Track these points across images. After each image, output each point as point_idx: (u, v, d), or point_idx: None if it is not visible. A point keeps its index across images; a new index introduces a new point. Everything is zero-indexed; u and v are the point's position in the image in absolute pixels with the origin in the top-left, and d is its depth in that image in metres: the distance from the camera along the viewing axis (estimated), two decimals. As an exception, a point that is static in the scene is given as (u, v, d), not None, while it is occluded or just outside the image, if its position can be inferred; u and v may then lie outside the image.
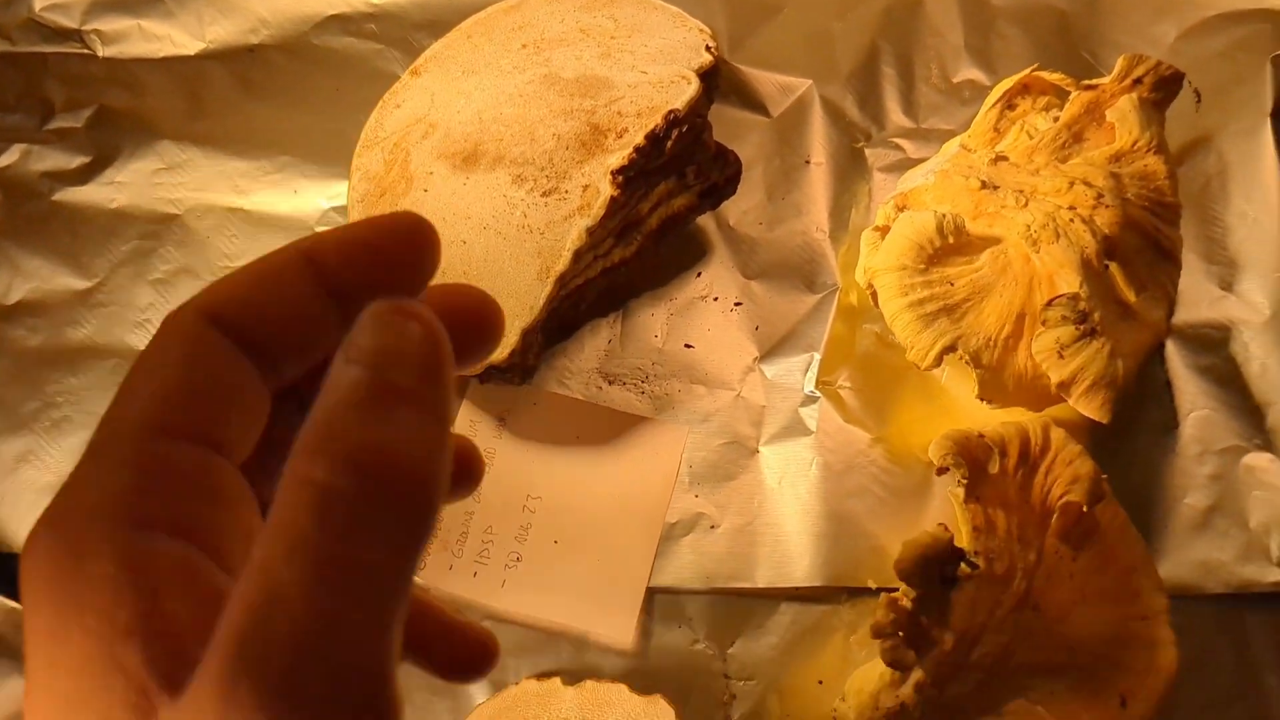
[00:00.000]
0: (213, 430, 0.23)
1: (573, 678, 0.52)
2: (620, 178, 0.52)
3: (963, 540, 0.49)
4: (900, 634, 0.46)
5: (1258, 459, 0.56)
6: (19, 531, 0.55)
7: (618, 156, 0.53)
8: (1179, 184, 0.61)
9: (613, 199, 0.52)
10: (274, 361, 0.24)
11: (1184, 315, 0.59)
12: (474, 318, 0.26)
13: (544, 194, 0.53)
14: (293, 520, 0.19)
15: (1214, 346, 0.59)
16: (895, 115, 0.65)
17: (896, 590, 0.47)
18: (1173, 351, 0.59)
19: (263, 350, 0.24)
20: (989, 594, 0.48)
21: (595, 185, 0.52)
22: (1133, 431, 0.57)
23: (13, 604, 0.54)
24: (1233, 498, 0.56)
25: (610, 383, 0.59)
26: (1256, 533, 0.55)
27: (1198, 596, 0.54)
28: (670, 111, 0.54)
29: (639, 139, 0.53)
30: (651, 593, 0.55)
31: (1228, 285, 0.59)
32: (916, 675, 0.47)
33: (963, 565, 0.48)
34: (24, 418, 0.58)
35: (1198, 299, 0.59)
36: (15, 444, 0.57)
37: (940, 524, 0.47)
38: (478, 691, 0.53)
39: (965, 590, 0.47)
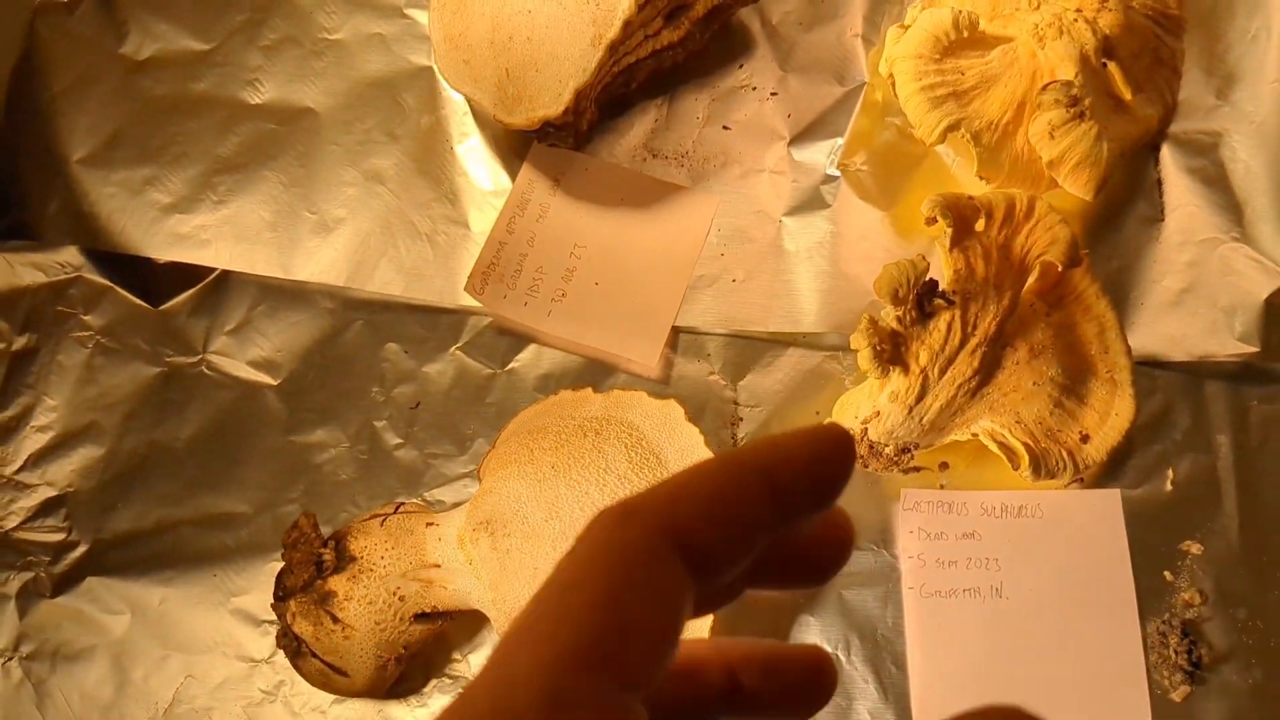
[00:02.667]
0: (643, 672, 0.21)
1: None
2: (669, -44, 0.59)
3: (945, 281, 0.56)
4: (878, 346, 0.53)
5: (1234, 249, 0.62)
6: (143, 240, 0.66)
7: (668, -62, 0.60)
8: (1191, 3, 0.67)
9: (661, -26, 0.59)
10: (711, 582, 0.23)
11: (1181, 124, 0.65)
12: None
13: (602, -30, 0.60)
14: None
15: (1205, 150, 0.64)
16: (934, -66, 0.70)
17: (881, 315, 0.55)
18: (1167, 154, 0.64)
19: (710, 576, 0.22)
20: (962, 327, 0.55)
21: (647, -38, 0.60)
22: (1122, 221, 0.64)
23: (140, 302, 0.64)
24: (1206, 282, 0.62)
25: (654, 156, 0.67)
26: (1224, 312, 0.61)
27: (1166, 364, 0.61)
28: (717, -97, 0.60)
29: (688, -75, 0.60)
30: (677, 331, 0.63)
31: (1224, 96, 0.65)
32: (892, 385, 0.55)
33: (939, 301, 0.55)
34: (151, 151, 0.67)
35: (1196, 108, 0.65)
36: (142, 171, 0.67)
37: (919, 254, 0.54)
38: (521, 401, 0.62)
39: (941, 319, 0.55)
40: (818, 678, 0.26)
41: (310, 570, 0.54)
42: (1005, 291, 0.57)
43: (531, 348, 0.63)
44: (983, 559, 0.58)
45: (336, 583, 0.53)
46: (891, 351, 0.54)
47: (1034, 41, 0.61)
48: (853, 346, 0.54)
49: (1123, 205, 0.64)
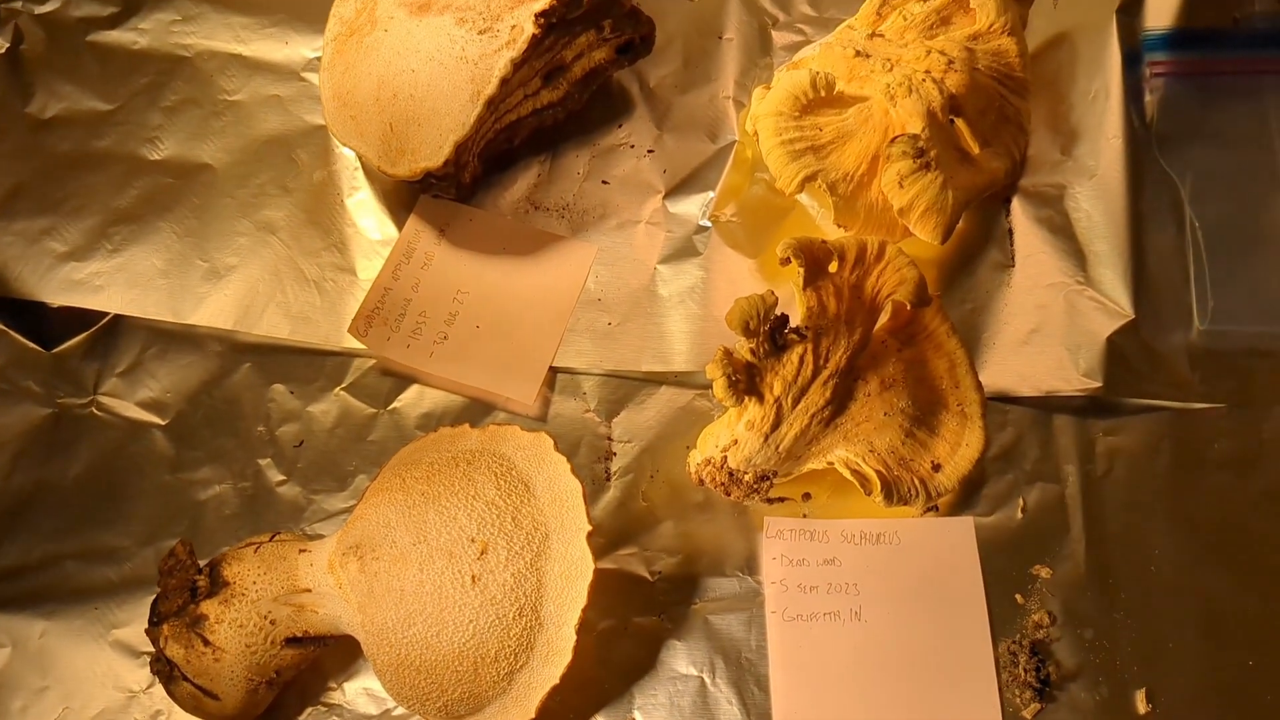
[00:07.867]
0: None
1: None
2: (542, 20, 0.63)
3: (800, 318, 0.59)
4: (732, 376, 0.56)
5: (1078, 292, 0.66)
6: (37, 286, 0.68)
7: (541, 2, 0.64)
8: (1037, 69, 0.72)
9: (534, 37, 0.63)
10: None
11: (1030, 177, 0.70)
12: None
13: (480, 32, 0.64)
14: None
15: (1051, 201, 0.69)
16: (802, 5, 0.75)
17: (735, 346, 0.58)
18: (1017, 205, 0.69)
19: None
20: (814, 359, 0.58)
21: (521, 25, 0.64)
22: (975, 267, 0.68)
23: (33, 345, 0.66)
24: (1053, 323, 0.66)
25: (537, 208, 0.70)
26: (1069, 350, 0.65)
27: (1016, 399, 0.64)
28: (589, -29, 0.65)
29: (561, -10, 0.64)
30: (555, 371, 0.66)
31: (1068, 151, 0.70)
32: (748, 414, 0.58)
33: (791, 334, 0.58)
34: (50, 203, 0.70)
35: (1043, 163, 0.70)
36: (41, 221, 0.70)
37: (769, 290, 0.58)
38: (403, 439, 0.64)
39: (794, 351, 0.58)
40: None
41: (184, 595, 0.55)
42: (857, 328, 0.60)
43: (414, 388, 0.66)
44: (843, 584, 0.61)
45: (209, 607, 0.55)
46: (746, 382, 0.57)
47: (886, 100, 0.65)
48: (708, 376, 0.57)
49: (976, 252, 0.68)
